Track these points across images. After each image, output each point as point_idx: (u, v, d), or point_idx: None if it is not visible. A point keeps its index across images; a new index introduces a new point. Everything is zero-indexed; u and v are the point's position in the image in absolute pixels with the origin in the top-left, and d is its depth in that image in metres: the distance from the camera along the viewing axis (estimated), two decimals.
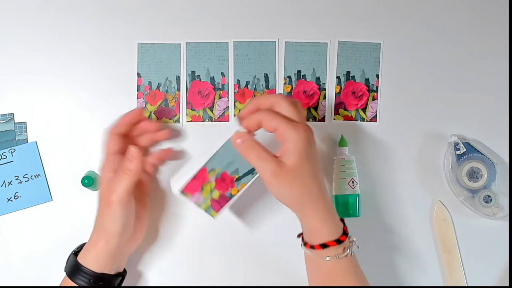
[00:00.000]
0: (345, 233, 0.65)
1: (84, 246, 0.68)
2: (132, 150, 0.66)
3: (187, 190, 0.68)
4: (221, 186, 0.68)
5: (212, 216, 0.69)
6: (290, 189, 0.62)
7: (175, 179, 0.77)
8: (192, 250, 0.78)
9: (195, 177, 0.66)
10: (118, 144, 0.69)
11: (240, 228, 0.78)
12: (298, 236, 0.69)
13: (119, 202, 0.66)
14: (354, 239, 0.66)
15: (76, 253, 0.69)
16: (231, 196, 0.69)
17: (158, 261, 0.78)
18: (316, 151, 0.64)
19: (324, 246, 0.64)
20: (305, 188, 0.63)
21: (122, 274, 0.71)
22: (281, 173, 0.61)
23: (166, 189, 0.78)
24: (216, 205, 0.69)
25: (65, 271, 0.68)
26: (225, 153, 0.65)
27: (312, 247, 0.64)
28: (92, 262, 0.66)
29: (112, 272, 0.68)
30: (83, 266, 0.66)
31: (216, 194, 0.68)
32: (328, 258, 0.64)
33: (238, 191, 0.68)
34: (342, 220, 0.67)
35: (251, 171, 0.68)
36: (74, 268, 0.67)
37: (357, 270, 0.66)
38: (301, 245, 0.67)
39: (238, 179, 0.68)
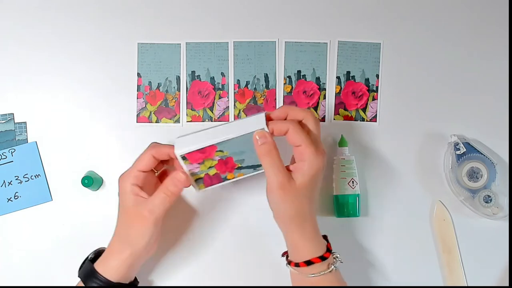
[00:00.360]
0: (328, 249, 0.67)
1: (104, 254, 0.68)
2: (181, 176, 0.65)
3: (189, 157, 0.66)
4: (221, 167, 0.68)
5: (199, 188, 0.69)
6: (288, 204, 0.64)
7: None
8: (196, 253, 0.78)
9: (201, 150, 0.65)
10: (151, 165, 0.67)
11: (241, 230, 0.78)
12: (283, 255, 0.70)
13: (155, 221, 0.65)
14: (338, 255, 0.68)
15: (92, 259, 0.68)
16: (225, 179, 0.69)
17: (167, 269, 0.77)
18: (322, 176, 0.66)
19: (308, 263, 0.65)
20: (300, 207, 0.65)
21: (134, 283, 0.71)
22: (288, 188, 0.63)
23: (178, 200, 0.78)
24: (208, 181, 0.69)
25: (79, 276, 0.67)
26: (241, 142, 0.65)
27: (297, 264, 0.66)
28: (112, 271, 0.66)
29: (127, 282, 0.68)
30: (101, 274, 0.65)
31: (212, 171, 0.68)
32: (313, 275, 0.65)
33: (234, 177, 0.69)
34: (325, 237, 0.69)
35: (254, 167, 0.68)
36: (89, 275, 0.66)
37: (342, 284, 0.68)
38: (286, 264, 0.68)
39: (240, 168, 0.68)
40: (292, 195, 0.64)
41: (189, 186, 0.67)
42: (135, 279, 0.72)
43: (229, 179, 0.69)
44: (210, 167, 0.67)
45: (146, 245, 0.66)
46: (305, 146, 0.63)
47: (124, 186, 0.66)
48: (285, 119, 0.66)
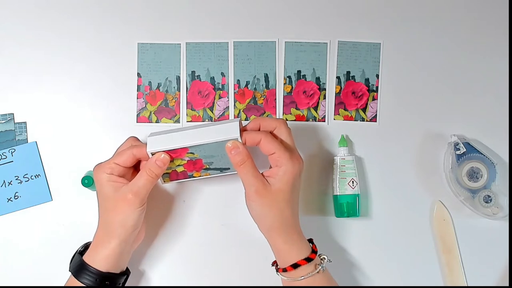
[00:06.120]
0: (314, 251, 0.68)
1: (91, 246, 0.68)
2: (164, 157, 0.66)
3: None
4: (189, 167, 0.70)
5: (164, 181, 0.71)
6: (267, 209, 0.66)
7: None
8: (193, 250, 0.78)
9: (173, 150, 0.67)
10: (130, 163, 0.68)
11: (241, 228, 0.78)
12: (273, 264, 0.71)
13: (140, 203, 0.66)
14: (325, 256, 0.69)
15: (81, 252, 0.69)
16: (191, 176, 0.71)
17: (159, 261, 0.78)
18: (300, 181, 0.69)
19: (295, 266, 0.66)
20: (279, 211, 0.66)
21: (126, 273, 0.71)
22: (264, 193, 0.66)
23: (167, 190, 0.78)
24: (174, 176, 0.71)
25: (70, 270, 0.68)
26: (213, 147, 0.66)
27: (285, 270, 0.67)
28: (101, 262, 0.66)
29: (118, 271, 0.68)
30: (90, 266, 0.66)
31: (180, 169, 0.70)
32: (302, 278, 0.66)
33: (200, 176, 0.71)
34: (310, 241, 0.70)
35: (221, 169, 0.70)
36: (79, 268, 0.66)
37: (333, 283, 0.69)
38: (276, 272, 0.69)
39: (207, 169, 0.70)
40: (269, 200, 0.66)
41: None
42: (127, 269, 0.72)
43: (195, 177, 0.71)
44: (178, 165, 0.69)
45: (133, 230, 0.67)
46: (279, 153, 0.65)
47: (100, 176, 0.67)
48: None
